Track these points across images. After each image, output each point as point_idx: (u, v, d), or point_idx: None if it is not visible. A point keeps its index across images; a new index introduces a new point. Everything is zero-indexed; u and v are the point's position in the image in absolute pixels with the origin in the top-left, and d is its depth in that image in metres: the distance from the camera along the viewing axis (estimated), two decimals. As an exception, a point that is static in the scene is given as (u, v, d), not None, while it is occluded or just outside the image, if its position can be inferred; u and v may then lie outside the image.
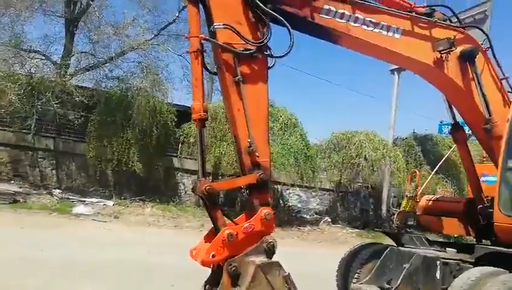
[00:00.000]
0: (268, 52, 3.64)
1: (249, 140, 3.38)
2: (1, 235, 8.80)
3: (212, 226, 3.44)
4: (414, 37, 4.38)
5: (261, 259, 3.26)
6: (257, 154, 3.39)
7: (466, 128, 5.79)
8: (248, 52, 3.48)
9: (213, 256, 3.21)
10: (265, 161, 3.50)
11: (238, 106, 3.44)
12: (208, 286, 3.46)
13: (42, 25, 19.61)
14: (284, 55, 3.64)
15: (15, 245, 8.00)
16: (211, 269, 3.47)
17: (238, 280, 3.20)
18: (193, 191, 3.57)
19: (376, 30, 4.16)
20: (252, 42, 3.50)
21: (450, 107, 5.68)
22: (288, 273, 3.27)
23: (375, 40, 4.17)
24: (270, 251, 3.33)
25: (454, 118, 5.79)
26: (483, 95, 4.65)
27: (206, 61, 3.75)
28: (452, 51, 4.42)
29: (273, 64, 3.70)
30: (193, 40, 3.42)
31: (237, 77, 3.43)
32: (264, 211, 3.38)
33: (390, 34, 4.24)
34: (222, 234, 3.22)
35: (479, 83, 4.64)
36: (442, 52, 4.42)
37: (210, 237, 3.41)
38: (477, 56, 4.67)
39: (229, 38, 3.44)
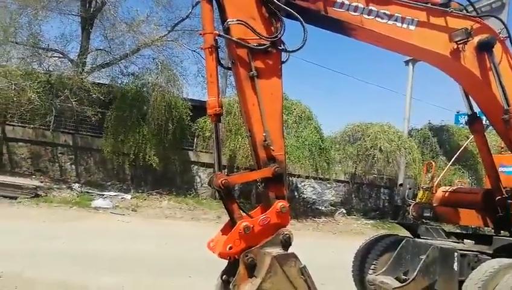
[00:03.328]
0: (282, 47, 3.65)
1: (264, 134, 3.41)
2: (24, 229, 9.07)
3: (229, 218, 3.50)
4: (430, 28, 4.31)
5: (277, 251, 3.30)
6: (272, 148, 3.43)
7: (483, 118, 5.72)
8: (262, 47, 3.50)
9: (230, 248, 3.27)
10: (281, 155, 3.53)
11: (253, 101, 3.47)
12: (224, 276, 3.51)
13: (59, 23, 19.88)
14: (297, 50, 3.65)
15: (37, 238, 8.23)
16: (227, 261, 3.54)
17: (254, 270, 3.25)
18: (209, 185, 3.62)
19: (390, 22, 4.11)
20: (266, 37, 3.52)
21: (467, 98, 5.61)
22: (304, 265, 3.30)
23: (389, 32, 4.13)
24: (286, 243, 3.38)
25: (471, 108, 5.72)
26: (502, 85, 4.57)
27: (220, 57, 3.78)
28: (469, 41, 4.35)
29: (287, 59, 3.71)
30: (207, 37, 3.44)
31: (251, 72, 3.45)
32: (280, 203, 3.42)
33: (405, 25, 4.17)
34: (238, 226, 3.28)
35: (497, 73, 4.56)
36: (458, 42, 4.34)
37: (227, 229, 3.47)
38: (494, 46, 4.58)
39: (243, 34, 3.47)
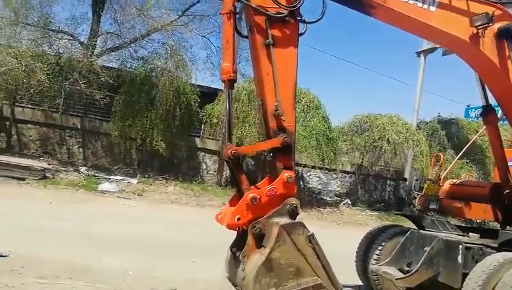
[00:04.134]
0: (301, 18, 3.64)
1: (275, 104, 3.42)
2: (31, 209, 9.19)
3: (236, 190, 3.53)
4: (450, 10, 4.23)
5: (284, 220, 3.32)
6: (283, 118, 3.44)
7: (498, 110, 5.63)
8: (280, 15, 3.50)
9: (238, 219, 3.30)
10: (291, 126, 3.54)
11: (267, 69, 3.47)
12: (234, 248, 3.55)
13: (70, 6, 19.87)
14: (315, 21, 3.66)
15: (44, 219, 8.33)
16: (236, 233, 3.57)
17: (262, 241, 3.28)
18: (219, 156, 3.63)
19: (411, 1, 4.05)
20: (285, 6, 3.51)
21: (483, 88, 5.52)
22: (312, 233, 3.33)
23: (409, 12, 4.06)
24: (293, 213, 3.39)
25: (486, 99, 5.64)
26: None
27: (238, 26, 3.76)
28: (489, 26, 4.28)
29: (305, 31, 3.69)
30: (226, 2, 3.45)
31: (268, 40, 3.46)
32: (286, 174, 3.43)
33: (425, 6, 4.11)
34: (246, 197, 3.31)
35: None
36: (479, 27, 4.27)
37: (234, 201, 3.49)
38: None
39: (261, 1, 3.48)
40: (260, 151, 3.46)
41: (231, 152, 3.30)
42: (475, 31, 4.30)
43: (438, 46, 20.24)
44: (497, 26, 4.37)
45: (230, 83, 3.47)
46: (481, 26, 4.24)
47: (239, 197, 3.40)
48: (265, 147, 3.60)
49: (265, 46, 3.47)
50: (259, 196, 3.33)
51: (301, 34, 3.66)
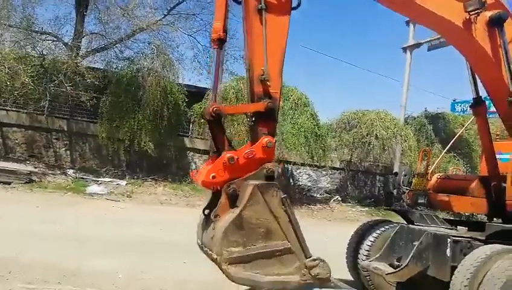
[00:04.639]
0: None
1: (262, 68, 3.42)
2: (17, 213, 9.05)
3: (214, 151, 3.52)
4: None
5: (260, 182, 3.29)
6: (269, 84, 3.45)
7: (488, 103, 5.70)
8: None
9: (213, 177, 3.28)
10: (276, 93, 3.54)
11: (258, 33, 3.49)
12: (206, 210, 3.50)
13: (53, 6, 19.51)
14: None
15: (31, 222, 8.21)
16: (211, 194, 3.52)
17: (236, 201, 3.25)
18: (202, 117, 3.60)
19: None
20: None
21: (474, 79, 5.58)
22: (286, 196, 3.30)
23: None
24: (270, 177, 3.36)
25: (477, 91, 5.70)
26: (509, 65, 4.56)
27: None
28: (481, 12, 4.35)
29: (299, 5, 3.70)
30: None
31: (260, 5, 3.48)
32: (266, 139, 3.41)
33: None
34: (223, 156, 3.29)
35: (505, 51, 4.54)
36: (471, 13, 4.32)
37: (212, 161, 3.48)
38: (506, 21, 4.57)
39: None
40: (242, 113, 3.43)
41: (213, 109, 3.29)
42: (468, 17, 4.33)
43: (423, 41, 20.44)
44: (489, 14, 4.44)
45: (220, 42, 3.51)
46: (474, 12, 4.29)
47: (217, 158, 3.38)
48: (248, 109, 3.58)
49: (258, 10, 3.49)
50: (236, 157, 3.31)
51: (295, 8, 3.69)
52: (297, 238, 3.28)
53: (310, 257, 3.29)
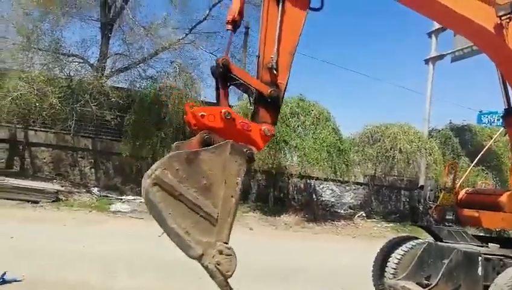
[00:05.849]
0: None
1: (272, 56, 3.43)
2: (46, 232, 9.23)
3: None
4: None
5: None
6: (276, 73, 3.45)
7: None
8: None
9: (202, 116, 3.16)
10: (282, 84, 3.52)
11: (273, 21, 3.50)
12: (176, 143, 3.29)
13: (79, 29, 20.20)
14: None
15: (59, 241, 8.36)
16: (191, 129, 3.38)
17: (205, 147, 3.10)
18: (212, 73, 3.57)
19: None
20: None
21: (505, 87, 5.43)
22: (246, 171, 3.13)
23: None
24: (248, 158, 3.19)
25: (508, 101, 5.55)
26: None
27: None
28: None
29: (322, 6, 3.73)
30: None
31: None
32: (264, 126, 3.35)
33: None
34: (221, 108, 3.23)
35: None
36: (503, 17, 4.16)
37: None
38: None
39: None
40: (245, 81, 3.37)
41: (222, 59, 3.30)
42: (499, 21, 4.18)
43: (446, 53, 20.15)
44: None
45: (233, 24, 3.56)
46: (505, 17, 4.13)
47: None
48: (254, 83, 3.46)
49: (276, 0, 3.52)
50: (233, 118, 3.22)
51: (318, 9, 3.73)
52: (227, 217, 3.02)
53: (227, 243, 3.03)
